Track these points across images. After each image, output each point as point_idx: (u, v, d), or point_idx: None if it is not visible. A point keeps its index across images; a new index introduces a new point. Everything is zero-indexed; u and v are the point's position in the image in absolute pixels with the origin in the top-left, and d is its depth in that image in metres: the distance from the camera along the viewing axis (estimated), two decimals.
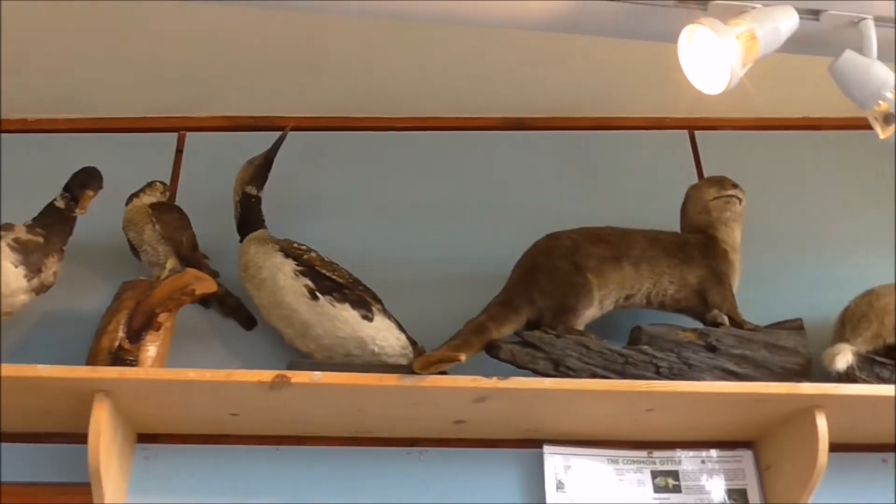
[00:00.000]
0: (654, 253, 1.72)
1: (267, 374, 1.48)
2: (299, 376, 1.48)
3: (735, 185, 1.80)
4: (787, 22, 1.20)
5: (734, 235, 1.80)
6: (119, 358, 1.53)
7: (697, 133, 2.15)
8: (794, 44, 1.29)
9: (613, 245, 1.71)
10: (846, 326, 1.73)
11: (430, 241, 1.91)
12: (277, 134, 1.81)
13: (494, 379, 1.51)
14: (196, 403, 1.55)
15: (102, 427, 1.45)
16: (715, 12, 1.23)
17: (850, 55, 1.25)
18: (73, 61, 1.92)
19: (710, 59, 1.21)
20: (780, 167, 2.11)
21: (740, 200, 1.79)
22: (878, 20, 1.26)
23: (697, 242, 1.77)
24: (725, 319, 1.72)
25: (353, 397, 1.54)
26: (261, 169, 1.78)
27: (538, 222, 1.80)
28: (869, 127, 1.71)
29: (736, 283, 1.78)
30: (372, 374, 1.50)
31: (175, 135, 2.02)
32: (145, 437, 1.65)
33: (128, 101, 2.00)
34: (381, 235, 1.91)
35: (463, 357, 1.48)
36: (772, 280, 1.91)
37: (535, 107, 2.12)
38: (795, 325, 1.72)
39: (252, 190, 1.77)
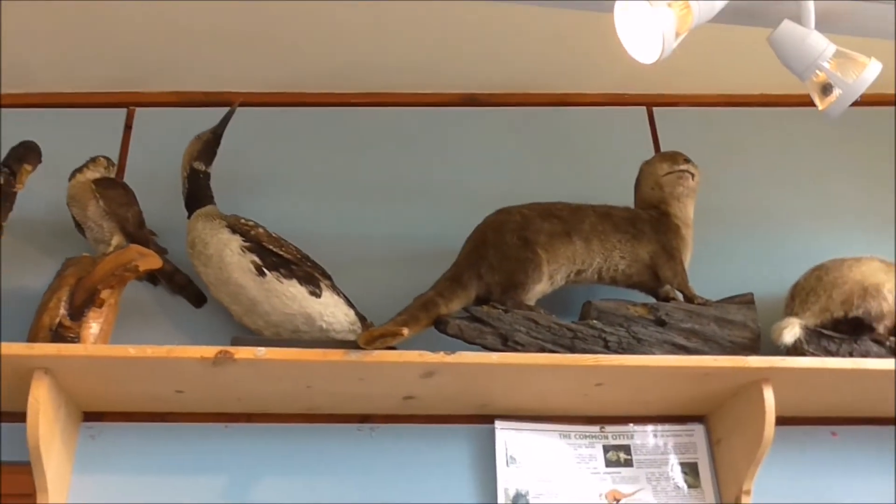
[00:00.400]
0: (604, 228, 1.71)
1: (209, 350, 1.46)
2: (243, 352, 1.47)
3: (687, 160, 1.79)
4: None
5: (687, 211, 1.79)
6: (59, 335, 1.51)
7: (656, 109, 2.14)
8: (734, 15, 1.28)
9: (563, 220, 1.70)
10: (795, 301, 1.74)
11: (383, 218, 1.90)
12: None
13: (441, 353, 1.51)
14: (140, 380, 1.53)
15: (42, 405, 1.43)
16: None
17: (787, 25, 1.24)
18: (20, 35, 1.87)
19: (645, 28, 1.20)
20: (737, 144, 2.11)
21: (693, 176, 1.78)
22: None
23: (649, 218, 1.76)
24: (678, 294, 1.73)
25: (299, 373, 1.52)
26: (209, 144, 1.76)
27: (492, 199, 1.78)
28: None
29: (688, 258, 1.78)
30: (317, 350, 1.48)
31: (124, 110, 1.99)
32: (91, 416, 1.63)
33: (77, 77, 1.96)
34: (333, 212, 1.89)
35: (405, 331, 1.47)
36: (726, 255, 1.92)
37: (491, 82, 2.10)
38: (746, 300, 1.72)
39: (200, 165, 1.75)
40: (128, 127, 1.97)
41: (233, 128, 1.79)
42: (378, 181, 1.95)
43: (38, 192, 1.74)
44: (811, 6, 1.24)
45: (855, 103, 2.13)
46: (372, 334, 1.48)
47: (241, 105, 1.81)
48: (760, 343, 1.67)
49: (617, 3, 1.20)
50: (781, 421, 1.60)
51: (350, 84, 2.04)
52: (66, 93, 1.98)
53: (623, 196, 1.83)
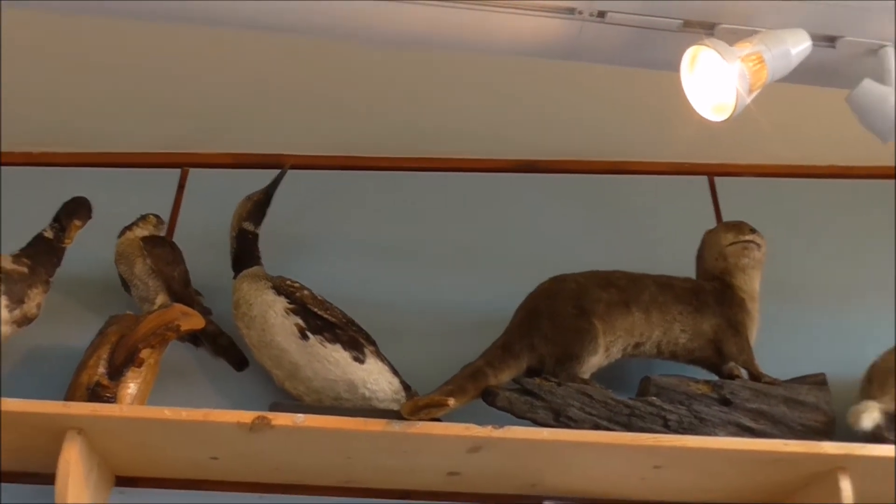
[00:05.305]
0: (664, 299, 1.63)
1: (247, 415, 1.40)
2: (281, 418, 1.40)
3: (753, 231, 1.71)
4: (797, 46, 1.12)
5: (752, 283, 1.70)
6: (96, 394, 1.47)
7: (717, 179, 2.07)
8: (810, 73, 1.22)
9: (622, 289, 1.62)
10: (873, 383, 1.62)
11: (433, 284, 1.84)
12: None
13: (489, 428, 1.42)
14: (175, 445, 1.47)
15: (72, 466, 1.38)
16: (722, 37, 1.16)
17: (868, 85, 1.17)
18: (78, 94, 1.91)
19: (715, 84, 1.13)
20: (804, 215, 2.03)
21: (759, 246, 1.70)
22: None
23: (713, 290, 1.67)
24: (742, 372, 1.63)
25: (339, 443, 1.45)
26: (259, 205, 1.74)
27: (547, 267, 1.72)
28: None
29: (754, 333, 1.68)
30: (358, 419, 1.41)
31: (178, 170, 1.99)
32: (123, 480, 1.57)
33: (132, 136, 1.98)
34: (382, 276, 1.85)
35: (452, 401, 1.39)
36: (794, 332, 1.81)
37: (550, 149, 2.06)
38: (818, 380, 1.61)
39: (249, 226, 1.73)
40: (181, 187, 1.97)
41: (284, 190, 1.77)
42: (429, 246, 1.90)
43: (87, 249, 1.72)
44: (893, 64, 1.16)
45: None
46: (416, 404, 1.40)
47: (294, 167, 1.80)
48: (835, 428, 1.55)
49: (684, 58, 1.14)
50: None
51: (404, 148, 2.01)
52: (122, 152, 1.99)
53: (682, 267, 1.75)
